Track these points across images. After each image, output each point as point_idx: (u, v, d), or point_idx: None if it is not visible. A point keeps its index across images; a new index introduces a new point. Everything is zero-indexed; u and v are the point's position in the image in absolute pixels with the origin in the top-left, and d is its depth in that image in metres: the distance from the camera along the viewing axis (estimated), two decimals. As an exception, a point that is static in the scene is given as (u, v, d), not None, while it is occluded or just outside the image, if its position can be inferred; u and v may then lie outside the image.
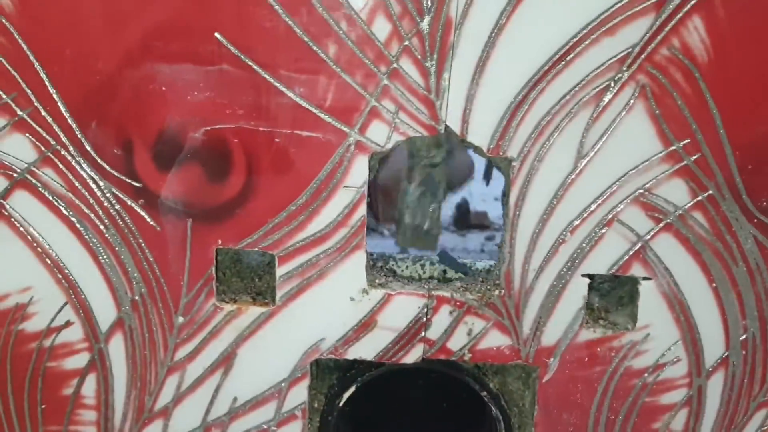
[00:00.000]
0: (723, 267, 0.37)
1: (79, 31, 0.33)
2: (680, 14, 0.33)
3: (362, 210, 0.36)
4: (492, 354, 0.37)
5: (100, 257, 0.36)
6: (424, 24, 0.33)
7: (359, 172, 0.35)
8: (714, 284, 0.37)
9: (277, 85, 0.34)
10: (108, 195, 0.35)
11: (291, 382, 0.38)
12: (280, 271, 0.36)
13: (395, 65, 0.34)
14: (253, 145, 0.34)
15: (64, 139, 0.35)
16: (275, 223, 0.35)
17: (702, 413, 0.40)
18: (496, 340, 0.37)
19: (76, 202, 0.35)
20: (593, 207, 0.36)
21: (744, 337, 0.39)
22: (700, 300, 0.38)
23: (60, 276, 0.36)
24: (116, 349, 0.37)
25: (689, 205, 0.36)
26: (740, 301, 0.38)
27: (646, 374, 0.39)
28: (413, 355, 0.38)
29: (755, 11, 0.33)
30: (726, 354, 0.39)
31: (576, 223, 0.36)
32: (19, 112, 0.34)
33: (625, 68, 0.34)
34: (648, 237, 0.36)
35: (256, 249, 0.35)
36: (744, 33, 0.33)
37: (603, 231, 0.36)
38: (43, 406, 0.37)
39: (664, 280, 0.36)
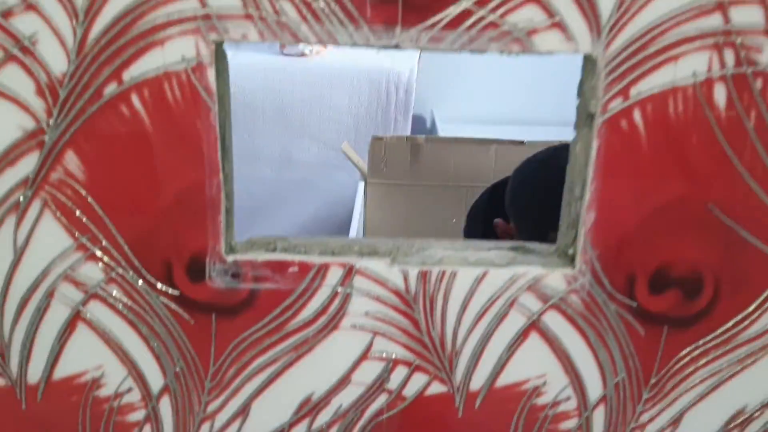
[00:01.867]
0: (597, 334, 0.55)
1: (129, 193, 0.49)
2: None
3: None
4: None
5: (150, 342, 0.54)
6: None
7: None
8: (592, 345, 0.55)
9: None
10: (156, 301, 0.53)
11: (290, 425, 0.56)
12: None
13: None
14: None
15: (124, 264, 0.52)
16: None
17: (590, 436, 0.53)
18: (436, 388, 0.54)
19: (134, 307, 0.53)
20: (497, 297, 0.53)
21: (616, 380, 0.55)
22: (582, 355, 0.52)
23: (123, 357, 0.54)
24: (165, 406, 0.55)
25: (567, 290, 0.52)
26: (611, 358, 0.55)
27: (547, 408, 0.56)
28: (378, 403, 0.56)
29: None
30: (604, 393, 0.54)
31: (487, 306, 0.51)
32: (90, 248, 0.51)
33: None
34: (540, 313, 0.52)
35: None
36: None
37: (507, 311, 0.53)
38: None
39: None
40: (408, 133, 1.42)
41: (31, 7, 0.41)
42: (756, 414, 0.55)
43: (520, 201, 0.85)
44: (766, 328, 0.52)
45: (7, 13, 0.41)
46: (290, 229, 1.76)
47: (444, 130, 1.72)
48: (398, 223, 1.11)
